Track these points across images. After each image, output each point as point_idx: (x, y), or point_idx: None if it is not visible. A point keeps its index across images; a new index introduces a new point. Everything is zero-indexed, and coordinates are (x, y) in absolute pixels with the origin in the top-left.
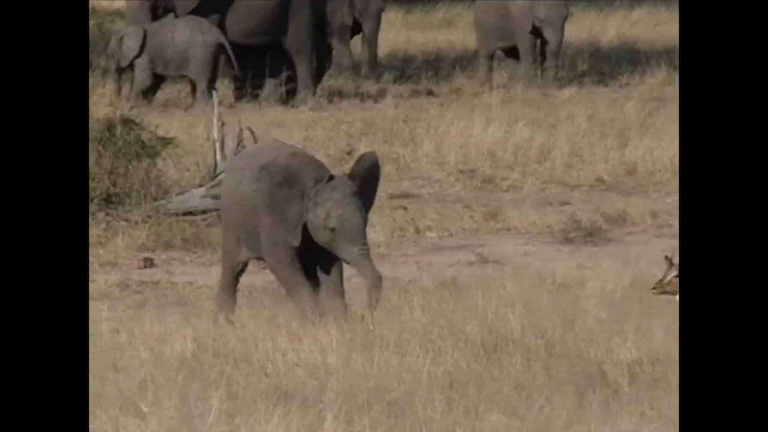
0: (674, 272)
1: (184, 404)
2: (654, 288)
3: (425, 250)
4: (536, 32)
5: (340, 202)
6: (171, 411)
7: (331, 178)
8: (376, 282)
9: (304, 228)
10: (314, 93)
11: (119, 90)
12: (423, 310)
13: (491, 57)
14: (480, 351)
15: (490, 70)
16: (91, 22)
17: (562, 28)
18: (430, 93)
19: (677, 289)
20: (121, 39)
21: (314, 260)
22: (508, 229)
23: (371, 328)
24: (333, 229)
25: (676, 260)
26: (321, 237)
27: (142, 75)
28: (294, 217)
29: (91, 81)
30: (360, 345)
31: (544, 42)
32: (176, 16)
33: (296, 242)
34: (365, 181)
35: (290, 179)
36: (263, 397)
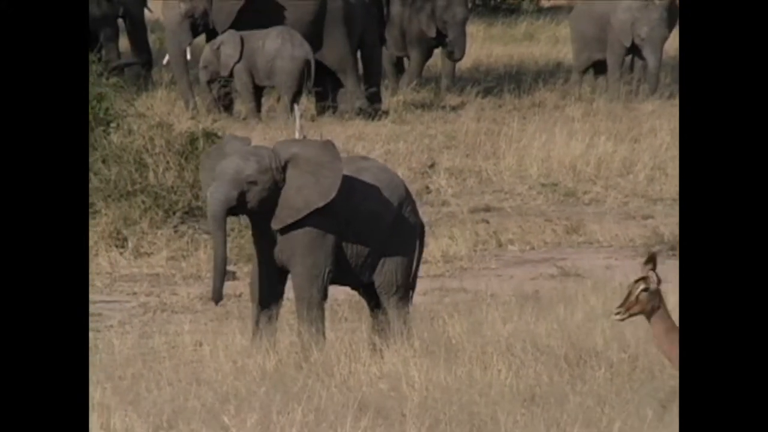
0: (642, 285)
1: (266, 417)
2: (617, 313)
3: (507, 264)
4: (633, 48)
5: None
6: (253, 424)
7: None
8: None
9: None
10: (363, 103)
11: (216, 100)
12: (505, 323)
13: (586, 71)
14: (563, 364)
15: (581, 84)
16: (154, 36)
17: (662, 49)
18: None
19: (648, 307)
20: (218, 48)
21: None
22: (590, 243)
23: (453, 341)
24: None
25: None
26: None
27: (245, 81)
28: None
29: (173, 95)
30: (442, 358)
31: (639, 58)
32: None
33: None
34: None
35: None
36: (345, 410)
